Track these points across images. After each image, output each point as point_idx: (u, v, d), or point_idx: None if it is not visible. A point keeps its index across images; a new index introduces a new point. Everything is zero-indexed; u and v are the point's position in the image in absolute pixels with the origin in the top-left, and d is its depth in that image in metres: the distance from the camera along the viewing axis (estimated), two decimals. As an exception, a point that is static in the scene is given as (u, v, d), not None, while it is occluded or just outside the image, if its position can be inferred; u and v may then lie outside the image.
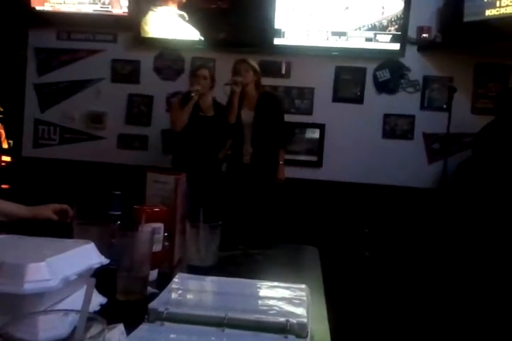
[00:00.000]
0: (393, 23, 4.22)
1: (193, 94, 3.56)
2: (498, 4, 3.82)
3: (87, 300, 0.51)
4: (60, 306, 0.80)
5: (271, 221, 3.65)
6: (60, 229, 1.35)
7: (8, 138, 5.74)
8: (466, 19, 3.96)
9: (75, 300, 0.84)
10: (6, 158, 5.56)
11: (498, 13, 3.83)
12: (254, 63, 3.73)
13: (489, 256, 3.44)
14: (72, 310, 0.55)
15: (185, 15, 4.42)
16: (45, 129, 4.73)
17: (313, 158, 4.47)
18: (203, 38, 4.42)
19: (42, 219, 1.62)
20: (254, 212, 3.61)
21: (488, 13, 3.87)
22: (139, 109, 4.63)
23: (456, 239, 3.63)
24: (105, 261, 0.94)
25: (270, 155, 3.68)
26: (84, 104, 4.66)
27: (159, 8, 4.46)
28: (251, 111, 3.69)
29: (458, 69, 4.30)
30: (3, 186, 5.06)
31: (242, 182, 3.67)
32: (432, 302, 3.20)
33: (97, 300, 0.94)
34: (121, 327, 0.76)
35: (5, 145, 5.78)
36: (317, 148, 4.47)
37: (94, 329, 0.54)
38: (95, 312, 0.85)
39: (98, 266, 0.91)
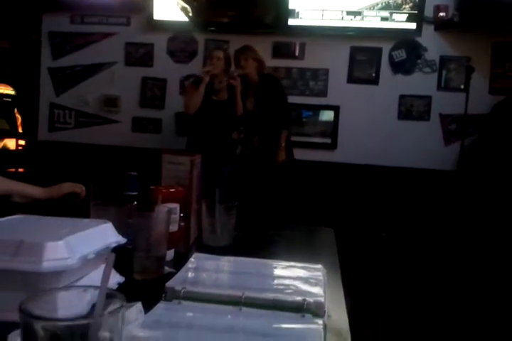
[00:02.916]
0: (408, 1, 4.14)
1: (202, 76, 3.54)
2: (518, -18, 3.73)
3: (107, 275, 0.51)
4: (78, 284, 0.81)
5: (281, 202, 3.65)
6: (77, 210, 1.36)
7: (24, 122, 5.80)
8: (484, -3, 3.88)
9: (92, 279, 0.84)
10: (22, 142, 5.62)
11: (517, -10, 3.74)
12: (253, 51, 3.69)
13: (507, 238, 3.42)
14: (91, 286, 0.55)
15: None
16: (60, 113, 4.76)
17: (328, 140, 4.44)
18: (215, 20, 4.38)
19: (57, 198, 1.64)
20: (264, 194, 3.61)
21: (508, -10, 3.78)
22: (152, 92, 4.63)
23: (472, 220, 3.60)
24: (122, 240, 0.94)
25: (273, 138, 3.65)
26: (99, 87, 4.68)
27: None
28: (252, 97, 3.67)
29: (475, 49, 4.23)
30: (20, 169, 5.12)
31: (253, 164, 3.68)
32: (449, 284, 3.20)
33: (115, 279, 0.94)
34: (139, 305, 0.76)
35: (21, 129, 5.84)
36: (331, 130, 4.44)
37: (113, 305, 0.54)
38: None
39: (115, 245, 0.91)
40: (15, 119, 5.95)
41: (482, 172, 3.78)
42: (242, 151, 3.83)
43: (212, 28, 4.46)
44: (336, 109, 4.42)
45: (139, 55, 4.65)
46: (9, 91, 6.08)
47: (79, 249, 0.79)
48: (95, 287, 0.53)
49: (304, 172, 4.18)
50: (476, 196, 3.69)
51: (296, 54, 4.44)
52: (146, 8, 4.46)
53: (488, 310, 2.86)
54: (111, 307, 0.53)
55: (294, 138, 3.99)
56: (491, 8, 3.87)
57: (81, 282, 0.82)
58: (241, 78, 3.62)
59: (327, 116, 4.47)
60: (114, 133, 4.64)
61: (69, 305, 0.59)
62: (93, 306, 0.57)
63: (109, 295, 0.53)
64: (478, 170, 3.82)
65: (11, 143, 5.75)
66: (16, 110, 6.01)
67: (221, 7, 4.36)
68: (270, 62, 4.11)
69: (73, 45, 4.73)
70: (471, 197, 3.70)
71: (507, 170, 3.62)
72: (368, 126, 4.35)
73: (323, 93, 4.45)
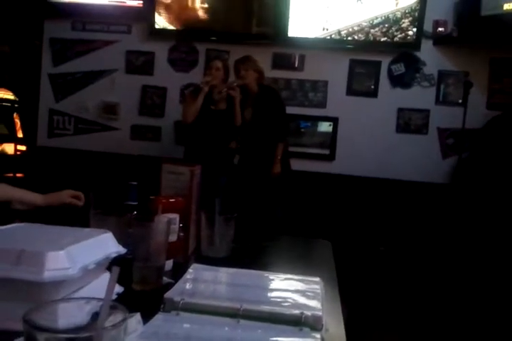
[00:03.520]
0: (407, 15, 4.19)
1: (202, 86, 3.55)
2: (516, -2, 3.77)
3: (111, 288, 0.51)
4: (78, 294, 0.82)
5: (277, 214, 3.65)
6: (76, 218, 1.36)
7: (23, 127, 5.80)
8: (483, 13, 3.92)
9: (92, 289, 0.85)
10: (21, 148, 5.61)
11: (516, 7, 3.78)
12: (253, 61, 3.71)
13: (504, 251, 3.42)
14: (93, 298, 0.55)
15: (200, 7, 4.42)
16: (59, 119, 4.76)
17: (326, 152, 4.46)
18: (217, 30, 4.42)
19: (57, 206, 1.64)
20: (260, 205, 3.61)
21: (507, 7, 3.82)
22: (152, 100, 4.64)
23: (469, 233, 3.61)
24: (123, 250, 0.95)
25: (269, 150, 3.65)
26: (99, 94, 4.69)
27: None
28: (251, 106, 3.69)
29: (474, 64, 4.26)
30: (18, 175, 5.11)
31: (248, 175, 3.68)
32: (446, 297, 3.20)
33: (114, 289, 0.95)
34: (138, 316, 0.77)
35: (20, 135, 5.83)
36: (330, 141, 4.46)
37: (114, 317, 0.54)
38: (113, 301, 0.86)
39: (116, 255, 0.92)
40: (14, 124, 5.95)
41: (477, 186, 3.80)
42: (239, 161, 3.84)
43: (213, 38, 4.49)
44: (334, 120, 4.44)
45: (139, 63, 4.67)
46: (9, 96, 6.07)
47: (80, 259, 0.79)
48: (98, 299, 0.54)
49: (302, 183, 4.19)
50: (473, 209, 3.70)
51: (296, 65, 4.46)
52: (148, 17, 4.49)
53: (486, 322, 2.86)
54: (112, 319, 0.54)
55: (292, 149, 4.01)
56: (490, 24, 3.91)
57: (81, 292, 0.83)
58: (240, 88, 3.64)
59: (325, 127, 4.49)
60: (113, 141, 4.65)
61: (70, 315, 0.60)
62: (93, 316, 0.57)
63: (112, 307, 0.54)
64: (473, 183, 3.83)
65: (9, 148, 5.74)
66: (15, 115, 6.01)
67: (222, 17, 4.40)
68: (270, 73, 4.14)
69: (74, 51, 4.74)
70: (468, 210, 3.71)
71: (500, 184, 3.64)
72: (366, 138, 4.37)
73: (322, 104, 4.47)
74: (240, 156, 3.83)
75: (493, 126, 3.93)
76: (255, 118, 3.67)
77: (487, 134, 3.95)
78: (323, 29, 4.30)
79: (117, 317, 0.54)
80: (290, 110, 3.97)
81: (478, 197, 3.72)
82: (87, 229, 0.99)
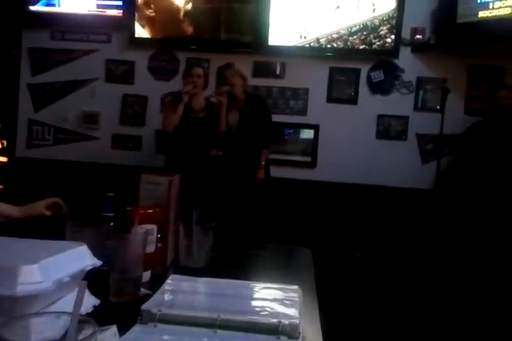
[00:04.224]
0: (385, 22, 4.24)
1: (182, 96, 3.54)
2: (491, 6, 3.84)
3: (79, 302, 0.51)
4: (53, 308, 0.81)
5: (260, 221, 3.65)
6: (52, 229, 1.35)
7: (1, 138, 5.72)
8: (459, 20, 3.98)
9: (67, 302, 0.84)
10: (0, 158, 5.54)
11: (491, 14, 3.85)
12: (237, 68, 3.74)
13: (485, 257, 3.46)
14: (64, 313, 0.55)
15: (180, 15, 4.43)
16: (39, 129, 4.72)
17: (308, 159, 4.48)
18: (197, 39, 4.43)
19: (35, 217, 1.62)
20: (241, 212, 3.61)
21: (482, 14, 3.89)
22: (133, 109, 4.62)
23: (449, 239, 3.64)
24: (98, 262, 0.94)
25: (253, 156, 3.67)
26: (79, 104, 4.65)
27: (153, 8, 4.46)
28: (237, 112, 3.70)
29: (451, 71, 4.32)
30: (-3, 186, 5.04)
31: (230, 182, 3.68)
32: (424, 304, 3.22)
33: (90, 301, 0.94)
34: (114, 328, 0.77)
35: (-1, 146, 5.76)
36: (311, 148, 4.48)
37: (86, 331, 0.54)
38: (88, 314, 0.85)
39: (91, 267, 0.91)
40: (-8, 135, 5.88)
41: (458, 192, 3.84)
42: (220, 168, 3.83)
43: (194, 47, 4.49)
44: (315, 127, 4.47)
45: (119, 72, 4.65)
46: (-13, 106, 6.01)
47: (54, 273, 0.79)
48: (68, 313, 0.54)
49: (284, 190, 4.19)
50: (452, 215, 3.74)
51: (277, 73, 4.49)
52: (128, 26, 4.48)
53: (470, 325, 2.88)
54: (84, 333, 0.53)
55: (273, 156, 4.02)
56: (466, 31, 3.97)
57: (56, 305, 0.82)
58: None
59: (307, 134, 4.51)
60: (93, 150, 4.61)
61: (42, 330, 0.59)
62: (66, 331, 0.57)
63: (82, 321, 0.54)
64: (454, 189, 3.88)
65: (-13, 159, 5.67)
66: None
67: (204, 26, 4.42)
68: (251, 81, 4.14)
69: (53, 61, 4.70)
70: (447, 216, 3.74)
71: (481, 189, 3.68)
72: (347, 145, 4.40)
73: (303, 112, 4.49)
74: (222, 163, 3.83)
75: (473, 131, 3.99)
76: (242, 125, 3.68)
77: (468, 140, 4.00)
78: (303, 37, 4.33)
79: (89, 331, 0.53)
80: (272, 118, 3.98)
81: (460, 203, 3.76)
82: (61, 242, 0.99)
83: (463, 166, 3.93)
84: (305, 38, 4.33)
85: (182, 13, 4.44)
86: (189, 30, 4.44)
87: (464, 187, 3.81)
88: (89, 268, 0.91)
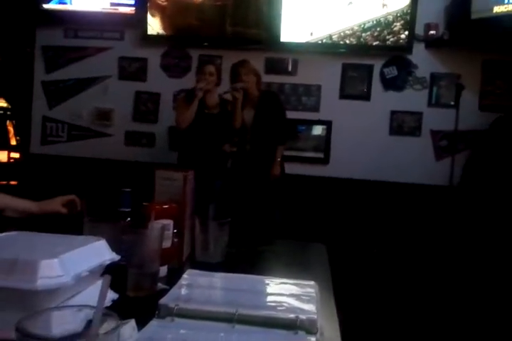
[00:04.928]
0: (398, 18, 4.21)
1: (196, 92, 3.55)
2: (506, 1, 3.80)
3: (103, 296, 0.51)
4: (72, 302, 0.81)
5: (275, 217, 3.65)
6: (70, 225, 1.36)
7: (16, 135, 5.78)
8: (473, 16, 3.94)
9: (86, 296, 0.85)
10: (15, 155, 5.60)
11: (506, 9, 3.81)
12: (252, 65, 3.73)
13: (499, 254, 3.43)
14: (86, 306, 0.55)
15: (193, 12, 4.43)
16: (53, 126, 4.76)
17: (320, 155, 4.46)
18: (209, 36, 4.43)
19: (51, 213, 1.64)
20: (257, 208, 3.61)
21: (496, 9, 3.85)
22: (146, 106, 4.64)
23: (463, 236, 3.62)
24: (116, 257, 0.95)
25: (268, 152, 3.67)
26: (92, 101, 4.68)
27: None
28: (252, 109, 3.69)
29: (465, 67, 4.28)
30: (12, 182, 5.10)
31: (245, 178, 3.69)
32: (441, 300, 3.20)
33: (109, 296, 0.94)
34: (132, 322, 0.77)
35: (13, 142, 5.82)
36: (324, 145, 4.47)
37: (108, 324, 0.54)
38: (107, 308, 0.86)
39: (109, 262, 0.92)
40: (7, 132, 5.94)
41: (479, 188, 3.80)
42: (235, 165, 3.84)
43: (206, 44, 4.50)
44: (328, 124, 4.45)
45: (132, 69, 4.67)
46: (2, 103, 6.07)
47: (73, 267, 0.79)
48: (90, 307, 0.54)
49: (297, 186, 4.19)
50: (468, 211, 3.71)
51: (289, 70, 4.48)
52: (141, 23, 4.49)
53: (484, 322, 2.86)
54: (105, 327, 0.54)
55: (286, 153, 4.01)
56: (481, 27, 3.93)
57: (75, 299, 0.83)
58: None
59: (320, 131, 4.50)
60: (106, 147, 4.64)
61: (63, 323, 0.59)
62: (87, 323, 0.57)
63: (105, 315, 0.54)
64: (473, 185, 3.85)
65: (2, 156, 5.73)
66: (8, 122, 6.00)
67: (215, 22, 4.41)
68: (263, 78, 4.13)
69: (66, 58, 4.73)
70: (463, 212, 3.72)
71: (505, 185, 3.65)
72: (360, 141, 4.38)
73: (316, 108, 4.48)
74: (236, 159, 3.83)
75: (496, 127, 3.95)
76: (257, 122, 3.68)
77: (491, 135, 3.96)
78: (315, 33, 4.31)
79: (111, 324, 0.54)
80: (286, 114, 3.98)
81: (478, 199, 3.73)
82: (80, 237, 0.99)
83: (485, 162, 3.89)
84: (318, 34, 4.31)
85: (193, 7, 4.44)
86: (200, 24, 4.44)
87: (487, 183, 3.77)
88: (107, 262, 0.91)
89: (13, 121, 6.00)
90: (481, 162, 3.97)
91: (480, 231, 3.58)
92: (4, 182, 5.17)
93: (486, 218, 3.59)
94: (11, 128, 5.96)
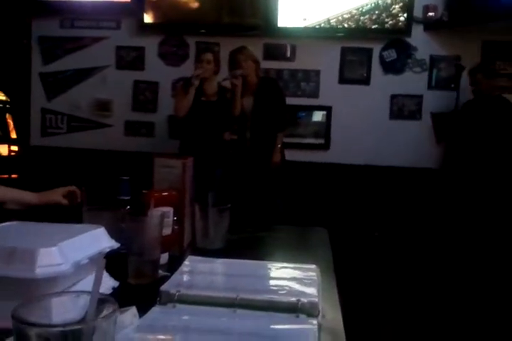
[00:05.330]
0: (397, 1, 4.17)
1: (192, 80, 3.54)
2: (505, -20, 3.76)
3: (98, 280, 0.51)
4: (72, 290, 0.81)
5: (277, 203, 3.65)
6: (70, 215, 1.36)
7: (16, 127, 5.77)
8: (473, -4, 3.90)
9: (86, 285, 0.85)
10: (15, 148, 5.60)
11: (505, -11, 3.76)
12: (250, 51, 3.70)
13: (498, 240, 3.44)
14: (84, 292, 0.55)
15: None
16: (52, 118, 4.75)
17: (321, 141, 4.45)
18: (206, 23, 4.40)
19: (52, 204, 1.64)
20: (258, 196, 3.61)
21: (496, -11, 3.80)
22: (144, 95, 4.63)
23: (465, 218, 3.62)
24: (116, 245, 0.94)
25: (269, 139, 3.66)
26: (91, 91, 4.67)
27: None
28: (251, 96, 3.67)
29: (465, 48, 4.25)
30: (13, 175, 5.10)
31: (246, 165, 3.68)
32: (441, 284, 3.21)
33: (109, 283, 0.95)
34: (133, 309, 0.77)
35: (13, 135, 5.81)
36: (324, 130, 4.46)
37: (106, 310, 0.54)
38: (107, 295, 0.86)
39: (109, 250, 0.92)
40: (7, 125, 5.93)
41: (461, 171, 3.81)
42: (235, 152, 3.83)
43: (203, 31, 4.46)
44: (328, 109, 4.43)
45: (130, 58, 4.64)
46: (0, 96, 6.05)
47: (72, 255, 0.79)
48: (88, 292, 0.54)
49: (298, 173, 4.18)
50: (466, 193, 3.71)
51: (288, 55, 4.45)
52: (137, 12, 4.46)
53: (486, 309, 2.87)
54: (104, 312, 0.53)
55: (286, 140, 4.00)
56: (480, 7, 3.89)
57: (75, 287, 0.83)
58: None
59: (319, 116, 4.48)
60: (106, 138, 4.64)
61: (62, 310, 0.59)
62: (87, 311, 0.57)
63: (102, 301, 0.54)
64: (458, 168, 3.85)
65: (3, 149, 5.73)
66: (7, 115, 5.99)
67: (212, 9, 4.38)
68: (261, 64, 4.10)
69: (63, 49, 4.71)
70: (462, 194, 3.71)
71: (481, 168, 3.65)
72: (360, 126, 4.37)
73: (315, 94, 4.46)
74: (236, 147, 3.82)
75: (465, 111, 3.95)
76: (256, 109, 3.66)
77: (460, 119, 3.95)
78: (313, 18, 4.27)
79: (109, 310, 0.53)
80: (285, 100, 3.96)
81: (467, 182, 3.73)
82: (79, 225, 0.99)
83: (461, 146, 3.89)
84: (315, 18, 4.27)
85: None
86: (197, 11, 4.40)
87: (466, 167, 3.78)
88: (107, 250, 0.91)
89: (12, 114, 5.99)
90: (455, 145, 3.97)
91: (480, 213, 3.57)
92: (6, 176, 5.18)
93: (484, 200, 3.59)
94: (10, 121, 5.95)
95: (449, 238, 3.58)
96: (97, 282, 0.51)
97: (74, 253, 0.80)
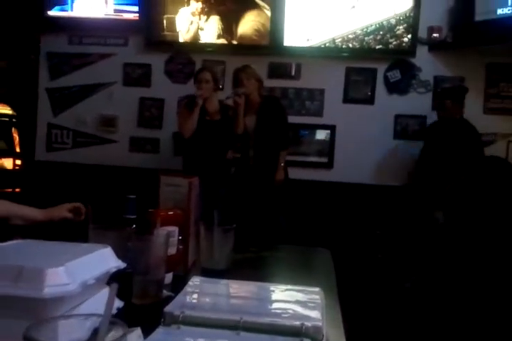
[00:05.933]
0: (401, 21, 4.21)
1: (196, 100, 3.54)
2: (509, 3, 3.80)
3: (110, 304, 0.51)
4: (79, 310, 0.82)
5: (280, 222, 3.65)
6: (76, 233, 1.37)
7: (21, 141, 5.80)
8: (477, 18, 3.95)
9: (93, 304, 0.85)
10: (19, 162, 5.62)
11: (509, 11, 3.81)
12: (253, 70, 3.72)
13: (499, 247, 3.43)
14: (93, 315, 0.56)
15: (196, 18, 4.45)
16: (58, 133, 4.77)
17: (324, 160, 4.46)
18: (213, 41, 4.45)
19: (57, 221, 1.64)
20: (262, 214, 3.61)
21: (500, 11, 3.85)
22: (150, 112, 4.66)
23: (467, 239, 3.60)
24: (122, 264, 0.95)
25: (272, 158, 3.67)
26: (97, 107, 4.70)
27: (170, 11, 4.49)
28: (254, 114, 3.69)
29: (469, 69, 4.28)
30: (16, 189, 5.11)
31: (249, 184, 3.69)
32: (447, 306, 3.18)
33: (115, 304, 0.95)
34: (138, 330, 0.77)
35: (18, 149, 5.84)
36: (328, 149, 4.47)
37: (114, 333, 0.54)
38: (112, 316, 0.86)
39: (115, 270, 0.92)
40: (12, 139, 5.96)
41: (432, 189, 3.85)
42: (238, 171, 3.84)
43: (210, 49, 4.51)
44: (332, 128, 4.45)
45: (136, 75, 4.68)
46: (7, 110, 6.10)
47: (79, 275, 0.79)
48: (97, 315, 0.54)
49: (301, 191, 4.18)
50: (470, 215, 3.70)
51: (292, 74, 4.49)
52: (144, 29, 4.51)
53: (488, 323, 2.85)
54: (112, 335, 0.54)
55: (290, 158, 4.01)
56: (485, 29, 3.93)
57: (82, 307, 0.83)
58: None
59: (323, 135, 4.50)
60: (111, 153, 4.65)
61: (70, 331, 0.60)
62: (93, 332, 0.57)
63: (111, 323, 0.54)
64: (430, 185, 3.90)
65: (8, 163, 5.75)
66: (13, 130, 6.02)
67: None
68: (266, 83, 4.14)
69: (71, 65, 4.75)
70: (465, 215, 3.70)
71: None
72: (364, 146, 4.38)
73: (319, 113, 4.48)
74: (239, 165, 3.84)
75: (430, 132, 4.00)
76: (259, 127, 3.68)
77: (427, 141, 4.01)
78: (318, 38, 4.32)
79: (117, 332, 0.54)
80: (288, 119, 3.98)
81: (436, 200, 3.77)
82: (86, 245, 1.00)
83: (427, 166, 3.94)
84: (320, 38, 4.32)
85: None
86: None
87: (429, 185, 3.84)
88: (113, 270, 0.91)
89: (18, 129, 6.02)
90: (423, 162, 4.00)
91: (487, 241, 3.56)
92: (10, 190, 5.19)
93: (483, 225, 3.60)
94: (16, 136, 5.99)
95: (453, 258, 3.56)
96: (110, 305, 0.51)
97: (81, 273, 0.81)
